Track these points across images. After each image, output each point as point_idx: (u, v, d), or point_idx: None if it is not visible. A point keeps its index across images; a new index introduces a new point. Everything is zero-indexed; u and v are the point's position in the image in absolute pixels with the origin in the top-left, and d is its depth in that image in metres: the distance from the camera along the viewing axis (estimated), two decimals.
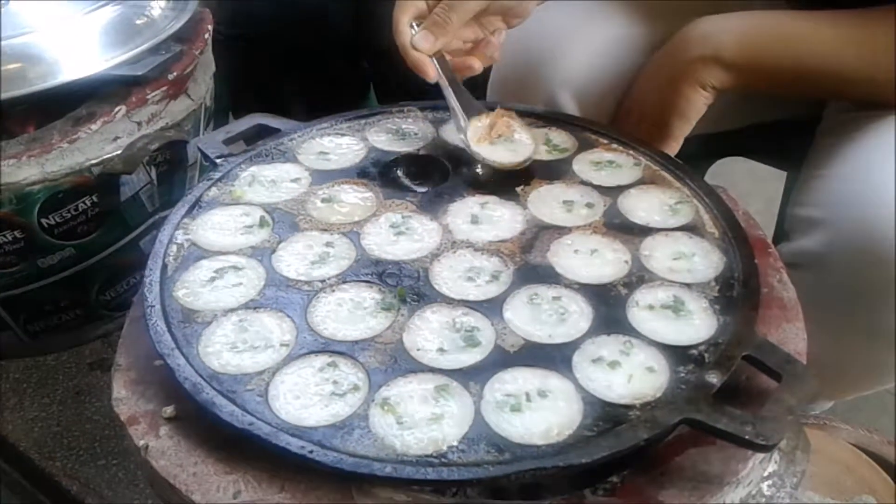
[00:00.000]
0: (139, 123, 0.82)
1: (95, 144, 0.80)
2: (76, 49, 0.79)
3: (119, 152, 0.81)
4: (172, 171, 0.90)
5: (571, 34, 0.76)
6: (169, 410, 0.50)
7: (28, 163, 0.77)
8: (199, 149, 0.69)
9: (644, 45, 0.76)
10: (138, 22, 0.83)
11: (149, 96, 0.82)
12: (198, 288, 0.55)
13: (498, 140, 0.66)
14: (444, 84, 0.66)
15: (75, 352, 0.96)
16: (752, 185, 1.26)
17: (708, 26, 0.68)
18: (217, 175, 0.66)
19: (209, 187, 0.64)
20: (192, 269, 0.57)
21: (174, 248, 0.59)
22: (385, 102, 1.22)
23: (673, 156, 0.69)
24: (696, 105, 0.68)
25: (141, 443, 0.49)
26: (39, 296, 0.88)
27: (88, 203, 0.83)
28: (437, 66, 0.65)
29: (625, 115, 0.75)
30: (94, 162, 0.80)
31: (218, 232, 0.60)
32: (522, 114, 0.70)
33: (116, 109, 0.80)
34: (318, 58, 1.14)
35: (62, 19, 0.80)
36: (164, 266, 0.57)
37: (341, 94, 1.23)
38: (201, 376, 0.49)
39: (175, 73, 0.84)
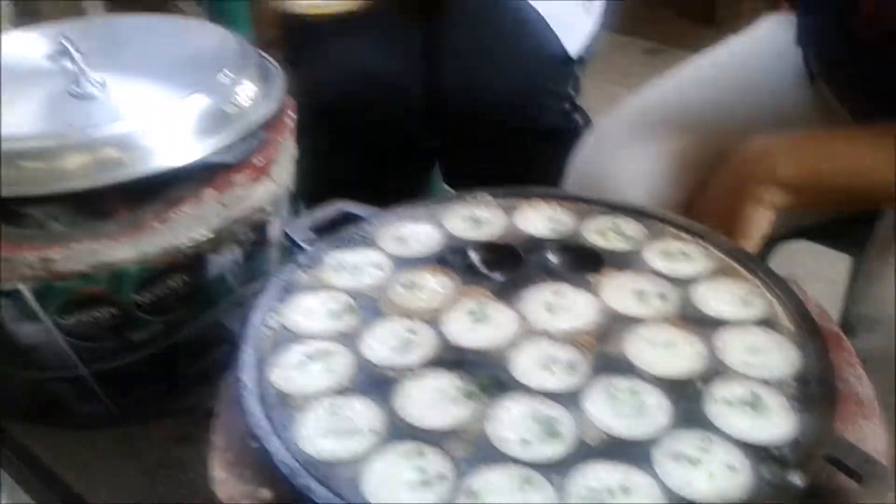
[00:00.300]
0: (227, 206, 0.87)
1: (186, 226, 0.85)
2: (171, 137, 0.85)
3: (208, 233, 0.86)
4: (255, 250, 0.95)
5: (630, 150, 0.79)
6: (266, 494, 0.53)
7: (124, 243, 0.82)
8: (286, 234, 0.73)
9: (702, 160, 0.78)
10: (228, 110, 0.88)
11: (236, 180, 0.87)
12: (291, 372, 0.59)
13: None
14: None
15: (160, 424, 0.99)
16: (815, 265, 1.26)
17: (765, 146, 0.70)
18: (304, 260, 0.70)
19: (297, 272, 0.68)
20: (284, 353, 0.60)
21: (266, 331, 0.62)
22: (452, 178, 1.27)
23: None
24: (758, 225, 0.70)
25: None
26: (129, 369, 0.92)
27: (178, 281, 0.87)
28: None
29: (697, 214, 0.77)
30: (185, 242, 0.85)
31: (307, 316, 0.64)
32: (589, 201, 0.73)
33: (206, 193, 0.85)
34: (383, 131, 1.18)
35: (157, 108, 0.86)
36: (257, 349, 0.61)
37: (405, 171, 1.27)
38: (297, 461, 0.51)
39: (261, 159, 0.89)
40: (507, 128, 1.09)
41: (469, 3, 1.15)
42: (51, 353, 0.88)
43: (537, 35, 1.14)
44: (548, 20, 1.16)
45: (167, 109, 0.86)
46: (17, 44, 0.99)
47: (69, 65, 0.88)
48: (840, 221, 0.86)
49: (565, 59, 1.17)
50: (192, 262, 0.87)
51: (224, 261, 0.91)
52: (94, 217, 0.87)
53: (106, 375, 0.92)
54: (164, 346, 0.92)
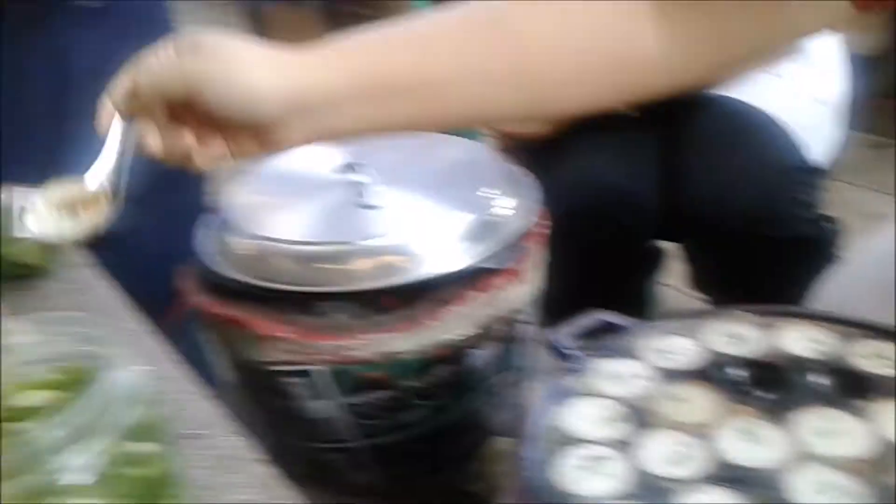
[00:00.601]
0: (488, 306, 0.97)
1: (454, 323, 0.95)
2: (442, 246, 0.96)
3: (473, 330, 0.96)
4: (509, 347, 1.03)
5: None
6: None
7: (404, 336, 0.94)
8: (550, 341, 0.80)
9: None
10: (491, 223, 0.99)
11: (497, 283, 0.96)
12: (574, 473, 0.64)
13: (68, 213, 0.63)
14: (111, 143, 0.61)
15: (416, 499, 1.09)
16: None
17: None
18: (572, 367, 0.76)
19: (566, 378, 0.75)
20: (563, 455, 0.66)
21: (545, 431, 0.69)
22: (699, 284, 1.28)
23: None
24: None
25: None
26: (397, 446, 1.03)
27: (446, 371, 0.98)
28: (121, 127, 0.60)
29: None
30: (453, 337, 0.95)
31: (582, 421, 0.70)
32: (856, 325, 0.73)
33: (472, 294, 0.95)
34: (617, 241, 1.22)
35: (430, 219, 0.98)
36: (539, 448, 0.67)
37: (634, 276, 1.31)
38: None
39: (521, 265, 0.98)
40: (751, 237, 1.10)
41: (707, 110, 1.19)
42: (334, 428, 1.01)
43: (779, 143, 1.15)
44: (792, 127, 1.17)
45: (439, 221, 0.98)
46: (310, 157, 1.16)
47: (356, 178, 1.03)
48: None
49: (810, 167, 1.17)
50: (457, 354, 0.97)
51: (484, 354, 1.01)
52: (379, 312, 1.00)
53: (377, 450, 1.03)
54: (428, 428, 1.03)
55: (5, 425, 0.50)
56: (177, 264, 1.26)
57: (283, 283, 0.96)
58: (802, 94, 1.20)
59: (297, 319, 0.98)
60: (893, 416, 0.65)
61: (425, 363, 0.96)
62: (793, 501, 0.59)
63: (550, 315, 1.07)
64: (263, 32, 1.84)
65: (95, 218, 0.66)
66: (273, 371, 0.98)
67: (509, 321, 1.00)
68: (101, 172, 0.63)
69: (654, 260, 1.30)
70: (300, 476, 1.13)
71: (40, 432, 0.44)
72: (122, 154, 0.61)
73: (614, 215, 1.19)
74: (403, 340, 0.94)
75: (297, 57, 0.56)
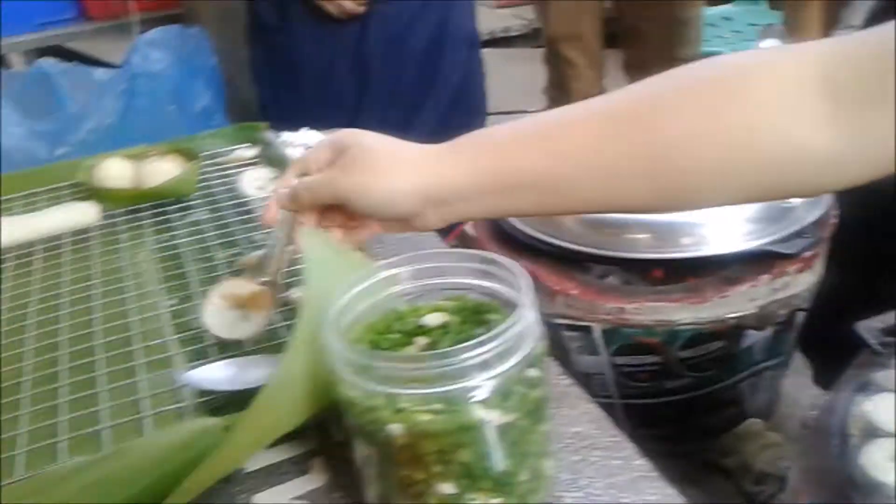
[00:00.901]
0: (775, 290, 0.98)
1: (738, 302, 0.98)
2: (733, 227, 0.99)
3: (755, 311, 0.98)
4: (782, 331, 1.05)
5: None
6: None
7: (685, 307, 0.98)
8: (859, 333, 0.81)
9: None
10: (784, 209, 0.99)
11: (788, 270, 0.97)
12: (882, 463, 0.67)
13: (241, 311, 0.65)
14: (279, 238, 0.67)
15: (661, 463, 1.14)
16: None
17: None
18: (877, 360, 0.77)
19: (875, 371, 0.76)
20: (872, 444, 0.69)
21: (853, 420, 0.71)
22: None
23: None
24: None
25: None
26: (652, 410, 1.09)
27: (717, 346, 1.01)
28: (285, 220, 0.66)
29: None
30: (733, 315, 0.98)
31: (888, 415, 0.71)
32: None
33: (762, 277, 0.97)
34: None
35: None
36: (848, 435, 0.70)
37: None
38: None
39: (810, 253, 0.98)
40: None
41: None
42: (596, 382, 1.08)
43: None
44: None
45: (733, 207, 1.00)
46: None
47: None
48: None
49: None
50: (733, 332, 1.00)
51: (757, 336, 1.03)
52: (645, 278, 1.05)
53: (634, 410, 1.09)
54: (686, 398, 1.07)
55: (419, 339, 0.60)
56: None
57: (571, 242, 1.03)
58: None
59: (579, 278, 1.05)
60: None
61: (699, 336, 1.00)
62: None
63: (822, 308, 1.07)
64: None
65: (263, 318, 0.69)
66: (552, 323, 1.06)
67: (789, 307, 1.01)
68: (269, 268, 0.69)
69: None
70: None
71: (459, 356, 0.53)
72: (285, 248, 0.68)
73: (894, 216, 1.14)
74: (685, 312, 0.98)
75: (431, 157, 0.61)
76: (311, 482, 0.64)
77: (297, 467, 0.65)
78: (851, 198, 1.05)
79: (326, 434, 0.66)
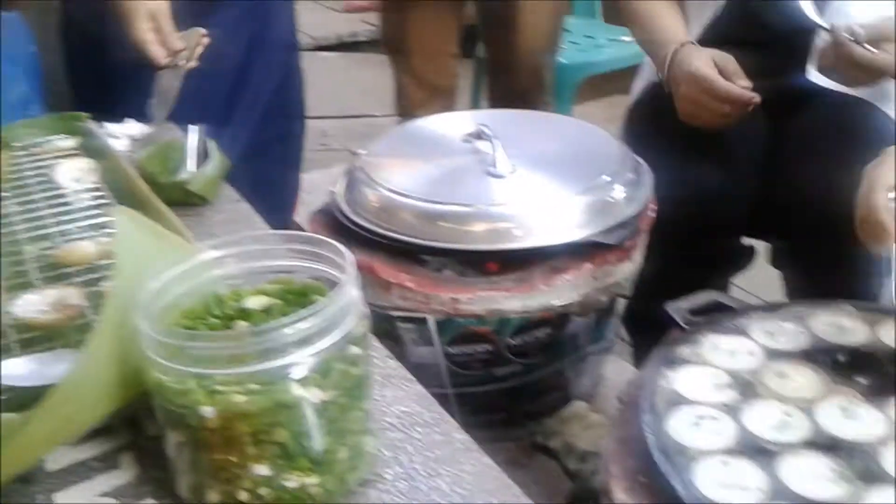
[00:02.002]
0: (596, 279, 1.04)
1: (563, 290, 1.02)
2: (560, 219, 1.03)
3: (579, 299, 1.03)
4: (605, 318, 1.11)
5: None
6: None
7: (515, 296, 1.01)
8: (669, 313, 0.87)
9: None
10: (608, 203, 1.05)
11: (609, 259, 1.03)
12: (685, 428, 0.72)
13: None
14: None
15: (492, 447, 1.17)
16: None
17: None
18: (685, 338, 0.83)
19: (681, 347, 0.82)
20: (677, 412, 0.74)
21: (660, 392, 0.76)
22: (781, 264, 1.32)
23: None
24: None
25: None
26: (483, 397, 1.12)
27: (543, 333, 1.05)
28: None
29: None
30: (559, 303, 1.03)
31: (693, 386, 0.77)
32: None
33: (585, 267, 1.02)
34: (709, 236, 1.24)
35: (551, 196, 1.05)
36: (655, 405, 0.75)
37: (722, 269, 1.35)
38: (700, 501, 0.64)
39: (630, 243, 1.05)
40: (846, 227, 1.15)
41: (816, 104, 1.20)
42: (430, 373, 1.10)
43: (886, 140, 1.17)
44: None
45: (557, 196, 1.04)
46: (444, 123, 1.24)
47: (487, 148, 1.10)
48: None
49: None
50: (559, 319, 1.05)
51: (581, 322, 1.08)
52: (491, 273, 1.08)
53: (466, 398, 1.12)
54: (515, 384, 1.11)
55: (239, 322, 0.59)
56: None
57: (406, 235, 1.05)
58: None
59: (415, 270, 1.06)
60: None
61: (528, 324, 1.04)
62: (888, 472, 0.66)
63: (641, 294, 1.14)
64: None
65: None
66: (387, 315, 1.07)
67: (610, 294, 1.07)
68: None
69: (743, 256, 1.36)
70: None
71: (279, 331, 0.52)
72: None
73: (707, 211, 1.22)
74: (514, 301, 1.02)
75: None
76: (119, 478, 0.61)
77: (104, 464, 0.62)
78: (667, 195, 1.13)
79: (138, 429, 0.64)
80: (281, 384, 0.53)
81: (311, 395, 0.53)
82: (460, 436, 0.62)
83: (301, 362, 0.53)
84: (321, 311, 0.53)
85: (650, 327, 0.91)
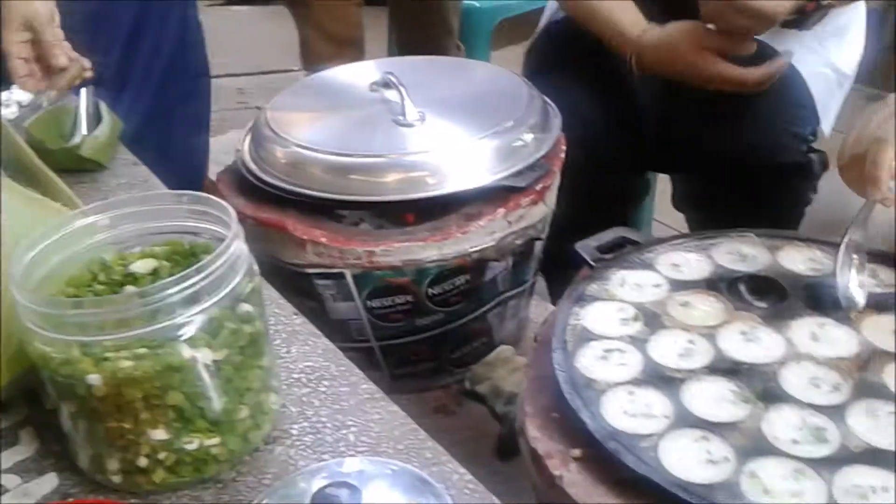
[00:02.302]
0: (510, 222, 1.04)
1: (479, 236, 1.02)
2: (472, 164, 1.03)
3: (494, 244, 1.03)
4: (522, 260, 1.11)
5: None
6: (577, 452, 0.67)
7: (431, 245, 1.01)
8: (578, 251, 0.88)
9: None
10: (518, 145, 1.05)
11: (522, 202, 1.03)
12: (593, 362, 0.73)
13: None
14: None
15: (422, 396, 1.18)
16: None
17: None
18: (594, 275, 0.84)
19: (589, 285, 0.83)
20: (585, 348, 0.75)
21: (570, 329, 0.77)
22: (682, 203, 1.35)
23: None
24: None
25: (556, 472, 0.67)
26: (408, 347, 1.12)
27: (463, 280, 1.05)
28: None
29: None
30: (475, 249, 1.03)
31: (601, 321, 0.78)
32: None
33: (498, 211, 1.02)
34: (613, 168, 1.26)
35: (461, 140, 1.04)
36: (565, 343, 0.76)
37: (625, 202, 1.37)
38: (606, 431, 0.66)
39: (541, 185, 1.05)
40: (743, 163, 1.17)
41: None
42: (353, 328, 1.09)
43: (789, 85, 1.20)
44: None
45: (467, 141, 1.04)
46: (349, 74, 1.21)
47: (394, 97, 1.09)
48: None
49: (810, 106, 1.24)
50: (476, 265, 1.05)
51: (499, 267, 1.08)
52: (405, 223, 1.07)
53: (390, 350, 1.12)
54: (439, 332, 1.11)
55: (127, 288, 0.57)
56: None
57: (317, 190, 1.03)
58: (824, 64, 1.25)
59: (329, 225, 1.04)
60: (877, 326, 0.74)
61: (447, 272, 1.04)
62: (786, 391, 0.68)
63: (558, 234, 1.15)
64: None
65: None
66: (304, 273, 1.05)
67: (525, 238, 1.07)
68: None
69: (642, 189, 1.38)
70: None
71: (163, 291, 0.51)
72: None
73: (612, 143, 1.23)
74: (428, 250, 1.01)
75: None
76: (20, 453, 0.59)
77: (4, 440, 0.60)
78: (575, 135, 1.14)
79: (37, 403, 0.62)
80: (169, 346, 0.52)
81: (202, 356, 0.52)
82: (367, 385, 0.62)
83: (189, 322, 0.52)
84: (206, 268, 0.52)
85: (564, 267, 0.92)
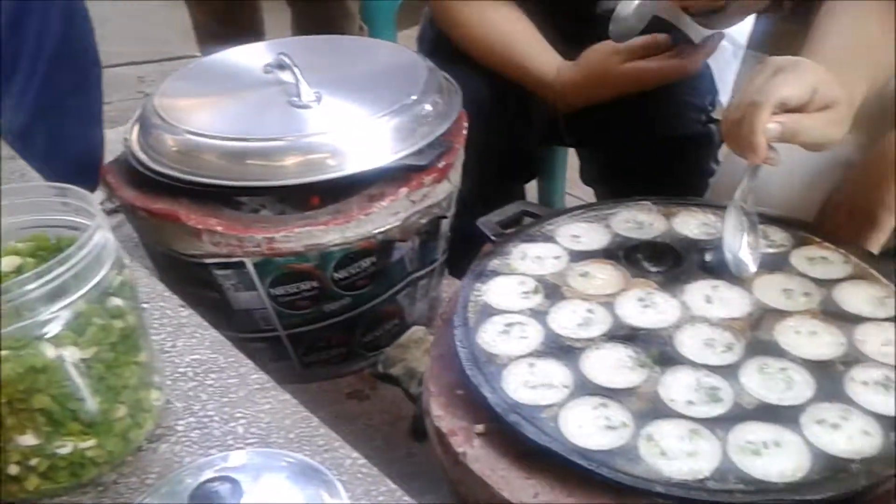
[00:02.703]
0: (414, 202, 1.02)
1: (382, 217, 1.00)
2: (372, 143, 1.01)
3: (398, 224, 1.02)
4: (429, 240, 1.10)
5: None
6: (480, 428, 0.67)
7: (333, 229, 0.99)
8: (480, 227, 0.87)
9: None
10: (418, 122, 1.04)
11: (424, 181, 1.02)
12: (494, 337, 0.73)
13: None
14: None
15: (335, 383, 1.16)
16: None
17: None
18: (495, 250, 0.84)
19: (491, 260, 0.82)
20: (487, 323, 0.74)
21: (472, 305, 0.77)
22: (589, 177, 1.37)
23: (881, 244, 0.81)
24: None
25: (459, 450, 0.66)
26: (318, 334, 1.09)
27: (368, 262, 1.04)
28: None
29: (834, 209, 0.86)
30: (379, 230, 1.01)
31: (502, 295, 0.78)
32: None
33: (401, 191, 1.00)
34: (517, 138, 1.26)
35: (361, 120, 1.02)
36: (467, 319, 0.75)
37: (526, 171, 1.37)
38: (507, 404, 0.65)
39: (444, 163, 1.04)
40: (645, 136, 1.19)
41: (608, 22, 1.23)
42: (258, 317, 1.06)
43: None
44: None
45: (369, 121, 1.02)
46: (240, 56, 1.17)
47: (289, 78, 1.05)
48: None
49: (708, 77, 1.26)
50: (382, 247, 1.03)
51: (405, 248, 1.07)
52: (300, 205, 1.04)
53: (298, 338, 1.09)
54: (348, 317, 1.09)
55: None
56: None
57: (212, 177, 0.99)
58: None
59: (226, 213, 1.01)
60: (768, 285, 0.76)
61: (351, 256, 1.02)
62: (681, 353, 0.69)
63: (466, 211, 1.14)
64: None
65: None
66: (202, 263, 1.02)
67: (430, 216, 1.06)
68: None
69: (551, 164, 1.39)
70: None
71: (22, 287, 0.48)
72: None
73: (507, 124, 1.23)
74: (330, 234, 0.99)
75: None
76: None
77: None
78: (474, 112, 1.13)
79: None
80: (32, 346, 0.49)
81: (69, 354, 0.49)
82: (257, 375, 0.59)
83: (52, 319, 0.49)
84: (68, 261, 0.49)
85: (473, 245, 0.91)
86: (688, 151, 1.25)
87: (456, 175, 1.09)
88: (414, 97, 1.03)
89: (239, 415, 0.56)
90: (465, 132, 1.10)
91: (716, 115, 1.29)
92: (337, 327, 1.10)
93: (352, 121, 1.00)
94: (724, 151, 1.24)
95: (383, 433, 1.09)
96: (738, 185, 0.80)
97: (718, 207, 0.86)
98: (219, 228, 0.98)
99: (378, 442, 1.09)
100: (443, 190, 1.07)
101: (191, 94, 1.08)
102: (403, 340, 1.17)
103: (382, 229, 1.01)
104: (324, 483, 0.48)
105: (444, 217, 1.08)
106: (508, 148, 1.19)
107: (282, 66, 1.07)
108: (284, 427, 0.55)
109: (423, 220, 1.04)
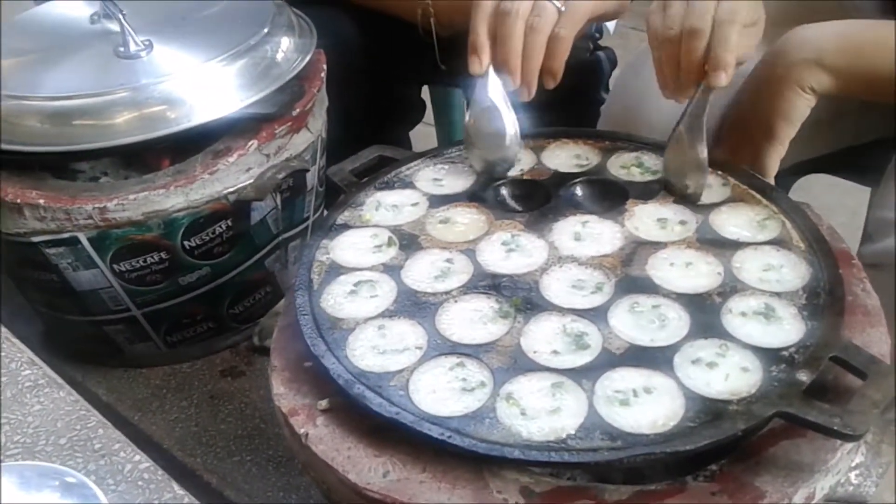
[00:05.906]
0: (268, 155, 0.92)
1: (232, 175, 0.90)
2: (213, 91, 0.90)
3: (251, 181, 0.91)
4: (294, 197, 1.00)
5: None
6: (324, 403, 0.58)
7: (174, 192, 0.88)
8: (328, 178, 0.78)
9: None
10: (266, 66, 0.93)
11: (276, 131, 0.92)
12: (340, 299, 0.64)
13: None
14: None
15: (208, 360, 1.06)
16: (836, 198, 1.29)
17: (808, 32, 0.73)
18: (347, 201, 0.75)
19: (341, 212, 0.73)
20: (334, 284, 0.66)
21: (317, 265, 0.68)
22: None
23: (779, 159, 0.75)
24: (799, 108, 0.73)
25: (301, 431, 0.57)
26: (178, 310, 0.99)
27: (224, 227, 0.93)
28: None
29: (731, 127, 0.79)
30: (230, 190, 0.90)
31: (352, 251, 0.69)
32: (612, 138, 0.77)
33: (250, 144, 0.90)
34: (397, 73, 1.17)
35: (199, 65, 0.90)
36: (310, 282, 0.66)
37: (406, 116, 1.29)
38: (351, 374, 0.57)
39: (298, 110, 0.93)
40: None
41: None
42: (106, 298, 0.95)
43: None
44: None
45: (208, 67, 0.90)
46: (59, 9, 1.04)
47: (115, 27, 0.93)
48: (863, 152, 0.89)
49: None
50: (236, 208, 0.93)
51: (265, 207, 0.97)
52: (146, 169, 0.93)
53: (157, 316, 0.98)
54: (210, 289, 0.99)
55: None
56: None
57: (34, 144, 0.87)
58: None
59: (50, 184, 0.89)
60: (641, 216, 0.69)
61: (201, 221, 0.91)
62: (546, 299, 0.62)
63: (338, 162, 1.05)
64: None
65: None
66: (30, 242, 0.90)
67: (291, 171, 0.96)
68: None
69: (444, 106, 1.31)
70: (81, 354, 1.08)
71: None
72: None
73: (392, 46, 1.14)
74: (176, 197, 0.88)
75: None
76: None
77: None
78: (340, 50, 1.03)
79: None
80: None
81: None
82: (30, 371, 0.49)
83: None
84: None
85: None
86: (576, 81, 1.17)
87: (317, 123, 0.99)
88: (258, 37, 0.92)
89: (3, 420, 0.46)
90: (323, 74, 1.00)
91: (602, 42, 1.22)
92: (199, 300, 0.99)
93: (186, 67, 0.89)
94: (614, 79, 1.18)
95: (262, 411, 1.00)
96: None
97: (591, 136, 0.79)
98: (41, 201, 0.86)
99: (257, 421, 0.99)
100: (302, 140, 0.96)
101: (8, 54, 0.94)
102: (279, 308, 1.07)
103: (233, 189, 0.90)
104: (81, 498, 0.38)
105: (307, 170, 0.98)
106: (381, 89, 1.09)
107: (107, 15, 0.94)
108: (56, 431, 0.45)
109: (281, 175, 0.94)
